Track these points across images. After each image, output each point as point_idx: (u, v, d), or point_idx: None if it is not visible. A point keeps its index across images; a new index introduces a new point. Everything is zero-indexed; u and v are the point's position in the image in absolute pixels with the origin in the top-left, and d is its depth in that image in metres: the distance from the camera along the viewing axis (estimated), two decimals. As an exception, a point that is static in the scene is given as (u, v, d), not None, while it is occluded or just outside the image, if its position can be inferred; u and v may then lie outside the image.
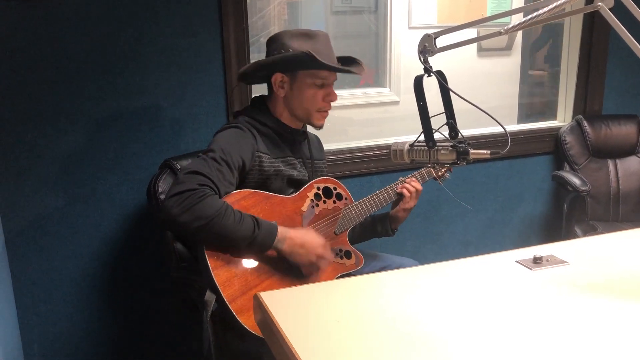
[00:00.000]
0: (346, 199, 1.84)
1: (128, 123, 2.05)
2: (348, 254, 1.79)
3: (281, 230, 1.56)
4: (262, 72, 1.74)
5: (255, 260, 1.57)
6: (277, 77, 1.71)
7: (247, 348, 1.54)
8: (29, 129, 1.94)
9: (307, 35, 1.71)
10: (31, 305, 2.07)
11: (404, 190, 1.84)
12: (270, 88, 1.77)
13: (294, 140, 1.79)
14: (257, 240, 1.52)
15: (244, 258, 1.56)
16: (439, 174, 1.96)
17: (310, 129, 1.87)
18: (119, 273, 2.16)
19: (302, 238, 1.59)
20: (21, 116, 1.92)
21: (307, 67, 1.68)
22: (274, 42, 1.73)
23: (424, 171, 1.93)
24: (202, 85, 2.12)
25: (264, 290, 1.53)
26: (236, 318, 1.46)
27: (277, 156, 1.72)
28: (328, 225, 1.77)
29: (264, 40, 3.28)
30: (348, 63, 1.79)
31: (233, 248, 1.53)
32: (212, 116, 2.16)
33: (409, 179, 1.88)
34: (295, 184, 1.76)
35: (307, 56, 1.61)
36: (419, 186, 1.86)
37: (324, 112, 1.75)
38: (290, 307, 1.12)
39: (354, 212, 1.82)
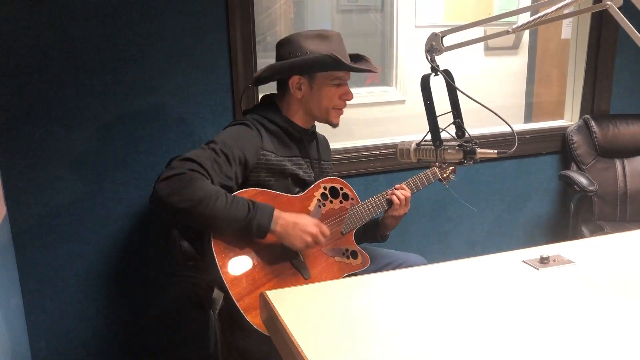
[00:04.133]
0: (352, 199, 1.84)
1: (135, 121, 2.06)
2: (354, 254, 1.79)
3: (276, 212, 1.56)
4: (278, 76, 1.74)
5: (263, 259, 1.58)
6: (295, 80, 1.72)
7: (254, 346, 1.54)
8: (37, 127, 1.94)
9: (322, 36, 1.71)
10: (38, 302, 2.08)
11: (394, 197, 1.83)
12: (281, 88, 1.78)
13: (302, 140, 1.80)
14: (253, 221, 1.52)
15: (253, 257, 1.57)
16: (444, 175, 1.96)
17: (318, 129, 1.88)
18: (125, 271, 2.17)
19: (294, 219, 1.59)
20: (28, 114, 1.93)
21: (327, 69, 1.69)
22: (287, 45, 1.73)
23: (429, 172, 1.93)
24: (208, 84, 2.12)
25: (271, 288, 1.54)
26: (244, 316, 1.46)
27: (283, 155, 1.72)
28: (335, 225, 1.77)
29: (270, 39, 3.30)
30: (357, 60, 1.80)
31: (227, 230, 1.53)
32: (218, 115, 2.16)
33: (398, 186, 1.86)
34: (301, 184, 1.77)
35: (331, 59, 1.63)
36: (407, 194, 1.85)
37: (339, 109, 1.77)
38: (296, 306, 1.12)
39: (361, 212, 1.82)
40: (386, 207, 1.85)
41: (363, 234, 1.94)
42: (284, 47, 1.74)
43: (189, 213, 1.48)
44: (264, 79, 1.75)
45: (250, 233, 1.55)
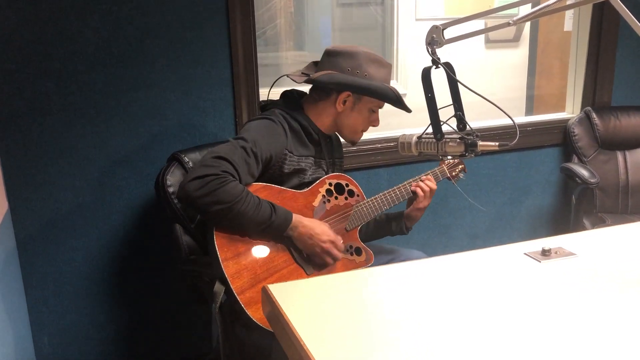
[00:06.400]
0: (358, 195, 1.84)
1: (136, 116, 2.06)
2: (358, 251, 1.79)
3: (295, 219, 1.60)
4: (334, 86, 1.73)
5: (265, 253, 1.58)
6: (345, 95, 1.74)
7: (256, 340, 1.55)
8: (37, 122, 1.94)
9: (381, 63, 1.77)
10: (41, 298, 2.09)
11: (418, 190, 1.83)
12: (320, 95, 1.77)
13: (320, 142, 1.80)
14: (272, 225, 1.55)
15: (255, 251, 1.57)
16: (453, 174, 1.94)
17: None
18: (127, 266, 2.17)
19: (312, 230, 1.62)
20: (29, 110, 1.93)
21: (384, 100, 1.76)
22: (349, 59, 1.73)
23: (437, 170, 1.92)
24: (209, 79, 2.12)
25: (273, 283, 1.54)
26: (245, 310, 1.47)
27: (300, 154, 1.73)
28: (339, 221, 1.77)
29: (270, 32, 3.30)
30: None
31: (248, 231, 1.56)
32: (219, 109, 2.16)
33: (424, 177, 1.86)
34: (311, 183, 1.76)
35: (394, 96, 1.72)
36: (433, 185, 1.85)
37: (364, 132, 1.85)
38: (298, 299, 1.12)
39: (366, 209, 1.82)
40: (392, 205, 1.84)
41: (387, 227, 1.94)
42: (345, 59, 1.73)
43: (218, 215, 1.50)
44: (319, 82, 1.72)
45: (266, 236, 1.58)
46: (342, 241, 1.70)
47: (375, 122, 1.83)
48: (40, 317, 2.10)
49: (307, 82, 1.76)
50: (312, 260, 1.66)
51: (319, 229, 1.63)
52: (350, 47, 1.76)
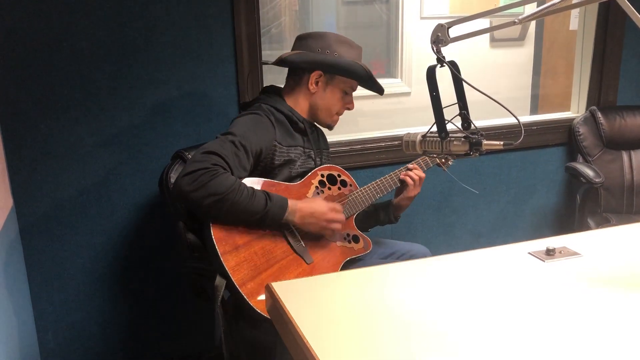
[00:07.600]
0: (351, 185, 1.86)
1: (140, 114, 2.06)
2: (356, 238, 1.80)
3: (291, 204, 1.60)
4: (306, 64, 1.76)
5: (264, 245, 1.59)
6: (316, 74, 1.77)
7: (259, 337, 1.55)
8: (42, 119, 1.95)
9: (350, 45, 1.80)
10: (45, 294, 2.09)
11: (407, 179, 1.85)
12: (294, 80, 1.80)
13: (306, 131, 1.81)
14: (269, 214, 1.55)
15: (253, 243, 1.57)
16: (443, 160, 1.96)
17: None
18: (131, 262, 2.18)
19: (310, 207, 1.64)
20: (34, 107, 1.94)
21: (353, 78, 1.78)
22: (319, 40, 1.78)
23: (427, 157, 1.93)
24: (213, 76, 2.12)
25: (273, 274, 1.55)
26: (247, 301, 1.47)
27: (289, 144, 1.74)
28: None
29: (275, 30, 3.29)
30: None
31: (244, 222, 1.56)
32: (223, 107, 2.16)
33: (412, 166, 1.88)
34: (302, 174, 1.78)
35: (364, 72, 1.75)
36: (422, 174, 1.87)
37: (339, 115, 1.85)
38: (301, 297, 1.12)
39: (360, 197, 1.84)
40: (384, 192, 1.85)
41: (375, 216, 1.96)
42: (315, 40, 1.78)
43: (213, 208, 1.50)
44: (290, 62, 1.77)
45: (264, 225, 1.58)
46: (340, 205, 1.72)
47: (350, 105, 1.85)
48: (45, 313, 2.11)
49: (278, 62, 1.80)
50: (317, 237, 1.67)
51: (315, 204, 1.66)
52: (319, 31, 1.82)
